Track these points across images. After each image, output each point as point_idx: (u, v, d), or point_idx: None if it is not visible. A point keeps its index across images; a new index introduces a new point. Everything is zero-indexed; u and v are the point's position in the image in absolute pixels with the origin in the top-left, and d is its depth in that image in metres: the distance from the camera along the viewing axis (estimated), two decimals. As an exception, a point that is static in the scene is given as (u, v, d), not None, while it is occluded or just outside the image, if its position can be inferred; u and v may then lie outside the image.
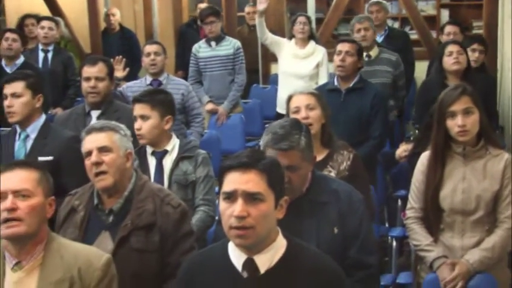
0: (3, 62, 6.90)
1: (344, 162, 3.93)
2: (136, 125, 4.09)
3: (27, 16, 8.56)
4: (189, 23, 10.15)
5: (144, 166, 4.14)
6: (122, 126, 3.38)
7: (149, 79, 5.99)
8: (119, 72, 5.83)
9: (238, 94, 7.24)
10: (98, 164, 3.17)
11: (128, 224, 3.16)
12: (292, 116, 4.03)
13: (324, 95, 5.03)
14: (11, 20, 9.60)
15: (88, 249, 2.80)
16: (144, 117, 4.10)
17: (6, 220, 2.59)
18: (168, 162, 4.17)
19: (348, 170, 3.92)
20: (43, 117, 4.45)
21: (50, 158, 4.20)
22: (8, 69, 6.78)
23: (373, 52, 6.18)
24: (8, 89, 4.34)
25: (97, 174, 3.18)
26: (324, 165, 3.85)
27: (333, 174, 3.82)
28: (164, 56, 6.06)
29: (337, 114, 4.98)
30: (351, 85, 5.24)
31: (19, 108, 4.31)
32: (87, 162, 3.21)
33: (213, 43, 7.21)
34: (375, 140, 5.19)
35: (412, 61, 7.37)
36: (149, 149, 4.18)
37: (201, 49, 7.26)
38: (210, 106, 7.08)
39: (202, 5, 9.56)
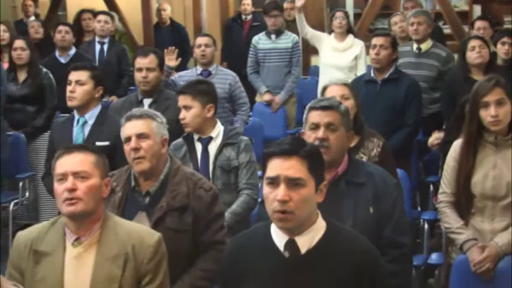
0: (57, 53, 6.98)
1: (374, 149, 3.95)
2: (181, 114, 4.13)
3: (84, 11, 8.67)
4: (234, 17, 10.16)
5: (191, 151, 4.18)
6: (159, 114, 3.40)
7: (199, 69, 5.99)
8: (172, 62, 5.85)
9: (294, 86, 7.27)
10: (136, 149, 3.20)
11: (164, 205, 3.19)
12: None
13: (361, 85, 5.08)
14: (72, 15, 9.71)
15: (140, 228, 2.83)
16: (186, 107, 4.13)
17: (67, 199, 2.63)
18: (213, 148, 4.18)
19: (378, 156, 3.93)
20: (100, 106, 4.50)
21: (107, 143, 4.26)
22: (62, 60, 6.88)
23: (424, 45, 6.05)
24: (74, 76, 4.40)
25: (135, 159, 3.20)
26: (356, 151, 3.84)
27: (364, 160, 3.81)
28: (214, 48, 6.04)
29: (373, 103, 5.00)
30: (387, 76, 5.24)
31: (80, 94, 4.37)
32: (126, 147, 3.24)
33: (273, 36, 7.24)
34: (410, 127, 5.20)
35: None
36: (196, 136, 4.20)
37: (261, 41, 7.29)
38: (267, 96, 7.13)
39: (246, 1, 9.60)
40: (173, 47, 6.03)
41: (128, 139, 3.25)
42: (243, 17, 9.64)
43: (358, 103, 3.99)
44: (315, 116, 3.12)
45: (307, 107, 3.21)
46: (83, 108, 4.42)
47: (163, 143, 3.31)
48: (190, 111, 4.12)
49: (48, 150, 4.61)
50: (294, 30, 7.38)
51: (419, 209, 5.32)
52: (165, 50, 5.84)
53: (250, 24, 9.43)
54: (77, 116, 4.46)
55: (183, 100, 4.16)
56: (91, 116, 4.44)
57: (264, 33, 7.37)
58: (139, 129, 3.25)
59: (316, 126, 3.09)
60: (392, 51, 5.25)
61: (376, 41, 5.26)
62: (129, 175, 3.32)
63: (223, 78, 5.87)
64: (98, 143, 4.24)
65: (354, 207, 3.00)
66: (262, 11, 7.73)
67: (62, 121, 4.63)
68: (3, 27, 7.16)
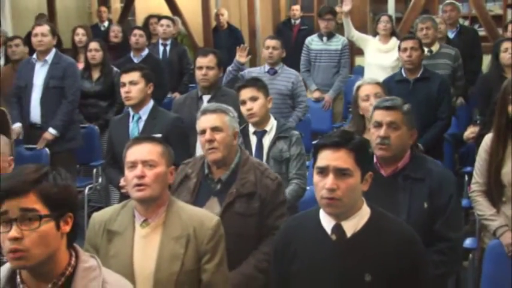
0: (132, 54, 7.08)
1: None
2: (248, 106, 4.11)
3: (151, 16, 8.77)
4: (285, 21, 10.18)
5: (247, 143, 4.18)
6: (231, 108, 3.40)
7: (267, 67, 5.95)
8: (242, 58, 5.83)
9: (342, 85, 7.24)
10: (210, 141, 3.21)
11: (234, 191, 3.21)
12: (362, 103, 4.04)
13: (393, 85, 5.07)
14: (140, 20, 9.85)
15: (201, 212, 2.85)
16: (253, 98, 4.13)
17: (136, 185, 2.67)
18: (266, 140, 4.18)
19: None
20: (152, 102, 4.52)
21: (159, 135, 4.27)
22: (135, 60, 6.92)
23: (435, 47, 6.06)
24: (127, 78, 4.43)
25: (209, 149, 3.22)
26: None
27: None
28: (281, 50, 5.96)
29: (407, 101, 4.94)
30: (419, 75, 5.22)
31: (135, 93, 4.41)
32: (202, 139, 3.26)
33: (324, 38, 7.24)
34: (443, 121, 5.17)
35: (480, 54, 7.23)
36: (251, 129, 4.21)
37: (313, 42, 7.29)
38: (317, 94, 7.13)
39: (295, 7, 9.64)
40: (246, 45, 6.04)
41: (203, 131, 3.26)
42: (292, 21, 9.65)
43: None
44: (378, 115, 3.12)
45: (373, 106, 3.21)
46: (138, 105, 4.45)
47: (235, 136, 3.32)
48: (257, 101, 4.13)
49: (107, 145, 4.67)
50: (343, 32, 7.35)
51: (454, 197, 5.28)
52: (237, 47, 5.84)
53: (298, 28, 9.44)
54: (132, 113, 4.49)
55: (249, 92, 4.15)
56: (144, 111, 4.47)
57: (316, 34, 7.38)
58: (214, 122, 3.26)
59: (379, 125, 3.09)
60: (421, 52, 5.23)
61: (407, 44, 5.23)
62: (203, 163, 3.34)
63: (288, 76, 5.85)
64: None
65: (409, 201, 2.99)
66: (317, 15, 7.73)
67: (119, 118, 4.67)
68: (82, 31, 7.31)
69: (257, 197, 3.21)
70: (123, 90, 4.44)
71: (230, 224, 3.08)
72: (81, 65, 6.58)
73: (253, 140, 4.20)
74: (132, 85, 4.40)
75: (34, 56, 5.76)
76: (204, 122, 3.29)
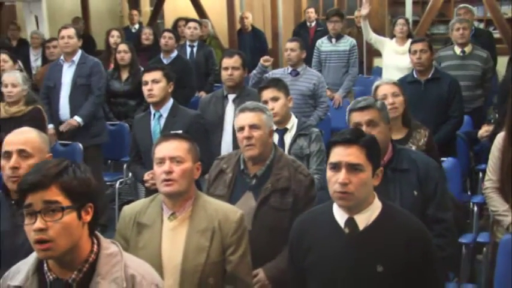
0: (162, 55, 7.11)
1: (422, 139, 3.92)
2: (269, 106, 4.09)
3: (179, 19, 8.79)
4: (301, 24, 10.17)
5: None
6: (268, 107, 3.40)
7: (290, 69, 5.91)
8: (267, 63, 5.82)
9: (352, 84, 7.24)
10: (248, 138, 3.22)
11: (269, 186, 3.21)
12: None
13: (406, 86, 5.01)
14: (168, 23, 9.89)
15: (225, 206, 2.85)
16: (274, 99, 4.14)
17: (164, 180, 2.69)
18: (288, 138, 4.19)
19: (425, 145, 3.90)
20: (171, 100, 4.52)
21: (180, 132, 4.28)
22: (165, 61, 6.94)
23: (467, 48, 6.00)
24: (149, 76, 4.43)
25: (246, 146, 3.23)
26: (405, 141, 3.83)
27: (413, 149, 3.77)
28: (300, 51, 5.88)
29: (419, 101, 4.95)
30: (430, 76, 5.18)
31: (157, 91, 4.40)
32: (240, 135, 3.26)
33: (333, 40, 7.23)
34: (455, 119, 5.14)
35: (494, 56, 7.14)
36: (273, 127, 4.20)
37: (323, 44, 7.29)
38: (327, 93, 7.08)
39: (310, 10, 9.67)
40: (271, 58, 6.00)
41: (242, 128, 3.27)
42: (308, 23, 9.64)
43: (406, 99, 3.96)
44: (356, 116, 3.12)
45: (347, 109, 3.20)
46: (160, 103, 4.44)
47: (270, 133, 3.33)
48: (278, 101, 4.13)
49: (131, 142, 4.67)
50: (363, 35, 7.34)
51: (469, 193, 5.25)
52: (262, 58, 5.77)
53: (315, 30, 9.43)
54: (153, 111, 4.49)
55: (271, 93, 4.16)
56: (165, 109, 4.46)
57: (326, 37, 7.37)
58: (252, 120, 3.26)
59: (358, 125, 3.08)
60: (431, 53, 5.19)
61: (416, 46, 5.19)
62: (239, 159, 3.35)
63: (310, 77, 5.81)
64: (172, 133, 4.28)
65: (400, 192, 3.00)
66: (325, 17, 7.73)
67: (141, 116, 4.67)
68: (117, 33, 7.37)
69: (291, 192, 3.21)
70: (145, 88, 4.44)
71: (265, 218, 3.12)
72: (111, 65, 6.64)
73: (275, 137, 4.20)
74: (155, 83, 4.41)
75: (61, 57, 5.84)
76: (243, 119, 3.29)
